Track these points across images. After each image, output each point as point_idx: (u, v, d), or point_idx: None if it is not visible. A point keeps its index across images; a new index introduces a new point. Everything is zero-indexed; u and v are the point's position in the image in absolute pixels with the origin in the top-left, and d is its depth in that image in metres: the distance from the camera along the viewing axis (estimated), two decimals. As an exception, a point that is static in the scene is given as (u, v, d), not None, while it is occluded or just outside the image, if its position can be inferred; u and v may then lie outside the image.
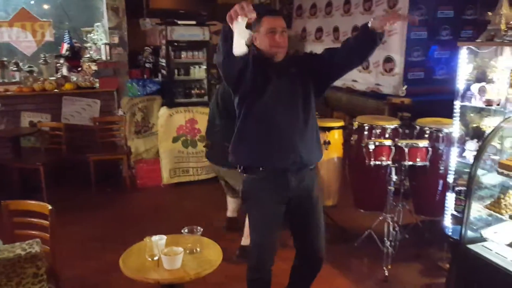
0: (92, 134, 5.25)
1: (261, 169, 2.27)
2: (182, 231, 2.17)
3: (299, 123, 2.27)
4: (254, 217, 2.38)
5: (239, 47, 1.96)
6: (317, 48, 6.18)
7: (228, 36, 1.96)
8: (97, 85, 5.48)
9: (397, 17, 2.20)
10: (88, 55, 5.84)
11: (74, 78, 5.51)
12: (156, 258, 2.09)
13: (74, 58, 5.79)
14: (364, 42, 2.18)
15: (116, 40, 5.70)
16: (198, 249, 2.18)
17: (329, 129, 3.83)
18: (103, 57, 5.67)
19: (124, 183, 5.19)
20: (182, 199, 4.90)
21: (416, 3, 4.79)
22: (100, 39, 5.95)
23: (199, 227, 2.17)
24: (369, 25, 2.12)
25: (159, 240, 2.11)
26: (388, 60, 4.92)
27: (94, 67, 5.63)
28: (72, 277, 3.20)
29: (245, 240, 3.45)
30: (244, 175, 2.34)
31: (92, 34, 5.94)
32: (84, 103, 5.40)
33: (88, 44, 5.94)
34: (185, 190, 5.13)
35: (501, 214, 2.62)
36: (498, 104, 2.99)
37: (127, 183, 5.18)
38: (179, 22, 5.15)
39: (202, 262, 2.12)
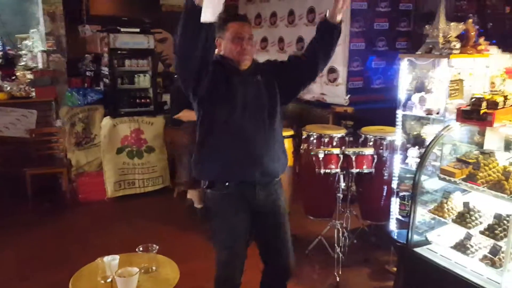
0: (28, 147, 4.94)
1: (227, 184, 2.19)
2: (136, 250, 2.08)
3: (266, 133, 2.21)
4: (222, 233, 2.26)
5: (205, 14, 1.79)
6: (262, 58, 6.24)
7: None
8: (33, 94, 5.18)
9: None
10: (23, 63, 5.49)
11: (7, 87, 5.15)
12: (109, 280, 1.99)
13: (8, 66, 5.41)
14: (325, 35, 2.23)
15: (53, 47, 5.44)
16: (154, 268, 2.10)
17: (279, 138, 3.86)
18: (40, 65, 5.38)
19: (65, 198, 4.92)
20: (128, 213, 4.72)
21: (355, 15, 4.99)
22: (36, 46, 5.62)
23: (154, 245, 2.09)
24: (326, 15, 2.20)
25: (111, 260, 2.00)
26: (332, 70, 5.07)
27: (29, 76, 5.30)
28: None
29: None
30: (208, 190, 2.24)
31: (27, 41, 5.59)
32: (19, 114, 5.08)
33: (23, 52, 5.59)
34: (131, 204, 4.96)
35: (444, 217, 2.76)
36: (437, 113, 3.17)
37: (68, 198, 4.92)
38: (122, 29, 4.98)
39: (158, 281, 2.04)
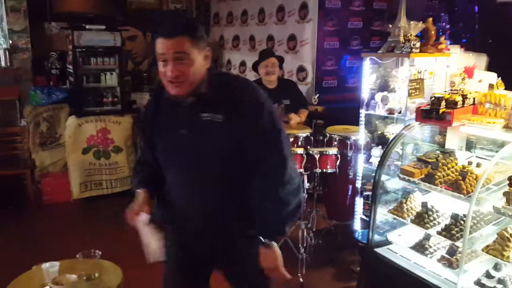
0: (-11, 148, 4.78)
1: None
2: (77, 256, 1.99)
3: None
4: None
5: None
6: (235, 56, 6.18)
7: None
8: (-5, 93, 5.01)
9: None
10: (-16, 61, 5.32)
11: (-33, 86, 4.99)
12: None
13: (-33, 64, 5.24)
14: None
15: (18, 44, 5.29)
16: (96, 275, 2.01)
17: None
18: (2, 63, 5.21)
19: (29, 200, 4.78)
20: (93, 215, 4.61)
21: (327, 14, 4.96)
22: (0, 44, 5.46)
23: (97, 251, 2.01)
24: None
25: (50, 267, 1.91)
26: (301, 69, 5.04)
27: (-9, 74, 5.14)
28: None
29: None
30: None
31: (-11, 38, 5.43)
32: (-20, 114, 4.92)
33: (-15, 49, 5.42)
34: (98, 205, 4.84)
35: (403, 218, 2.73)
36: (399, 112, 3.15)
37: (32, 199, 4.77)
38: (88, 26, 4.86)
39: (99, 288, 1.96)
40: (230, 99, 1.62)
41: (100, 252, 2.03)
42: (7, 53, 5.21)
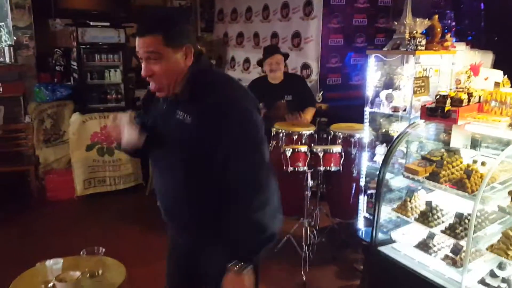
0: (-5, 144, 4.80)
1: None
2: (81, 253, 1.99)
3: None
4: None
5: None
6: (239, 53, 6.17)
7: None
8: (0, 90, 5.02)
9: None
10: (-11, 58, 5.33)
11: (-28, 82, 5.01)
12: (50, 285, 1.90)
13: (-27, 61, 5.26)
14: None
15: (22, 41, 5.30)
16: (100, 272, 2.01)
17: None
18: (7, 60, 5.22)
19: (32, 197, 4.79)
20: (96, 212, 4.61)
21: (332, 11, 4.94)
22: (4, 40, 5.47)
23: (101, 248, 2.01)
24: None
25: (54, 264, 1.92)
26: (305, 66, 5.02)
27: (-4, 71, 5.15)
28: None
29: None
30: None
31: (-6, 35, 5.44)
32: (-15, 110, 4.94)
33: (-11, 46, 5.43)
34: (102, 202, 4.85)
35: (407, 216, 2.72)
36: (404, 110, 3.13)
37: (36, 196, 4.79)
38: (92, 23, 4.86)
39: (103, 286, 1.96)
40: (201, 100, 1.54)
41: (104, 249, 2.03)
42: (11, 49, 5.21)
